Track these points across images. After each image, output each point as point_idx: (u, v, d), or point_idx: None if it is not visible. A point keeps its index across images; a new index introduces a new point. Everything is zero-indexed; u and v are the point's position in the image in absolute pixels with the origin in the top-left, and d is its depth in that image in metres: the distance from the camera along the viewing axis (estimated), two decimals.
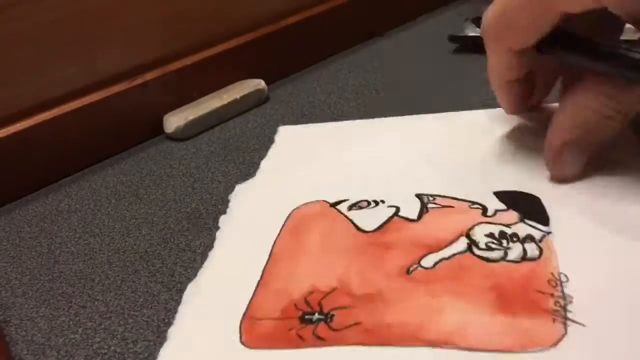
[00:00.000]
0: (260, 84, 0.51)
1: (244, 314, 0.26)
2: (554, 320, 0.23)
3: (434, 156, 0.36)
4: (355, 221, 0.31)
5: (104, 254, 0.35)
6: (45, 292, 0.32)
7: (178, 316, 0.28)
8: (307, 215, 0.33)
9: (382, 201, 0.32)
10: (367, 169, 0.36)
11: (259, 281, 0.28)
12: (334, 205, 0.33)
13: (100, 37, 0.46)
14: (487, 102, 0.39)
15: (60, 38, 0.44)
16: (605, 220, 0.27)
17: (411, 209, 0.31)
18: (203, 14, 0.51)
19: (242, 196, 0.36)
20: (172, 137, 0.48)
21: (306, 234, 0.31)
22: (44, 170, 0.44)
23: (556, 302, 0.24)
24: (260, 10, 0.55)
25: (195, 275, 0.30)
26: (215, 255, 0.31)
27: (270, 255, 0.30)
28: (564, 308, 0.23)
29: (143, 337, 0.28)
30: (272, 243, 0.31)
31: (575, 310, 0.23)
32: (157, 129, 0.48)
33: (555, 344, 0.22)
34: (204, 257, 0.32)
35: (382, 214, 0.31)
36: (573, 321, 0.23)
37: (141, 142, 0.48)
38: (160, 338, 0.28)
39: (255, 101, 0.51)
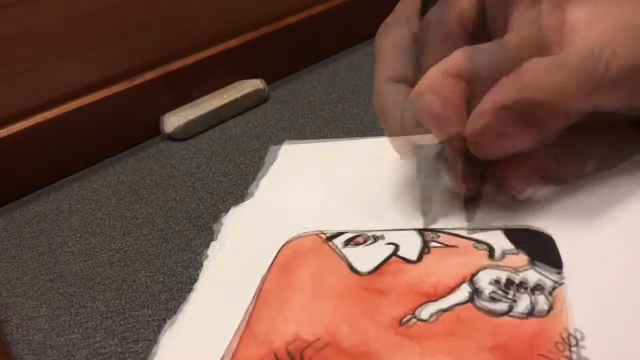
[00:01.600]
0: (260, 83, 0.51)
1: None
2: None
3: (441, 181, 0.32)
4: (350, 260, 0.29)
5: (104, 253, 0.35)
6: (45, 291, 0.32)
7: None
8: (298, 250, 0.30)
9: (382, 237, 0.30)
10: (370, 196, 0.33)
11: (241, 325, 0.26)
12: (329, 238, 0.30)
13: (100, 36, 0.46)
14: None
15: (60, 38, 0.44)
16: (629, 266, 0.24)
17: (412, 247, 0.29)
18: (203, 14, 0.51)
19: (236, 222, 0.34)
20: (172, 137, 0.48)
21: (296, 272, 0.28)
22: (44, 170, 0.44)
23: None
24: (260, 10, 0.55)
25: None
26: (199, 290, 0.29)
27: (257, 295, 0.27)
28: None
29: (143, 337, 0.28)
30: (259, 280, 0.28)
31: None
32: (157, 128, 0.48)
33: None
34: (203, 257, 0.32)
35: (379, 253, 0.29)
36: None
37: (141, 141, 0.48)
38: None
39: (255, 101, 0.51)
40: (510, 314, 0.24)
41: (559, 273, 0.25)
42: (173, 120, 0.47)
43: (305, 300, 0.27)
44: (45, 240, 0.37)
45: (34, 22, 0.42)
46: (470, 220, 0.28)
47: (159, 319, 0.29)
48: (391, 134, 0.30)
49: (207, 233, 0.34)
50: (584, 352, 0.21)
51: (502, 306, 0.24)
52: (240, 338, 0.25)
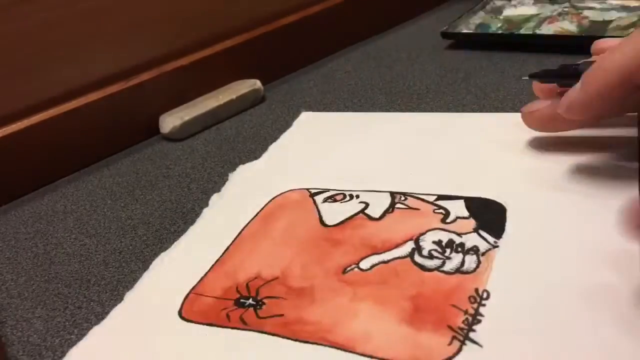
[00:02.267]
0: (257, 84, 0.51)
1: (192, 288, 0.29)
2: (453, 338, 0.23)
3: (429, 154, 0.36)
4: (322, 214, 0.32)
5: (100, 254, 0.35)
6: (41, 292, 0.32)
7: (138, 282, 0.30)
8: (283, 203, 0.34)
9: (357, 196, 0.33)
10: (363, 162, 0.37)
11: (217, 260, 0.30)
12: (313, 195, 0.34)
13: (96, 37, 0.46)
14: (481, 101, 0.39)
15: (56, 39, 0.44)
16: (562, 246, 0.27)
17: (379, 207, 0.32)
18: (199, 15, 0.51)
19: (239, 177, 0.38)
20: (168, 138, 0.48)
21: (275, 222, 0.32)
22: (40, 171, 0.44)
23: (464, 320, 0.24)
24: (256, 11, 0.55)
25: None
26: (192, 231, 0.33)
27: (237, 238, 0.32)
28: (470, 327, 0.24)
29: None
30: (243, 226, 0.32)
31: (480, 330, 0.23)
32: (153, 129, 0.48)
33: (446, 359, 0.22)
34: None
35: (349, 209, 0.32)
36: (471, 341, 0.23)
37: (137, 142, 0.48)
38: None
39: (251, 101, 0.51)
40: (441, 269, 0.27)
41: (497, 239, 0.28)
42: (169, 121, 0.47)
43: (273, 245, 0.31)
44: (40, 242, 0.37)
45: (30, 23, 0.42)
46: None
47: None
48: None
49: None
50: (482, 309, 0.24)
51: (435, 262, 0.27)
52: (212, 271, 0.30)
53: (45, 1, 0.43)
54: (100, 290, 0.32)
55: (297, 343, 0.25)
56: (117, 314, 0.29)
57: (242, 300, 0.27)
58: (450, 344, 0.23)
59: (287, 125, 0.46)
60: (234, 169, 0.41)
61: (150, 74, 0.48)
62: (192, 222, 0.36)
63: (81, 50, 0.45)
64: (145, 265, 0.33)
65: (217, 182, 0.40)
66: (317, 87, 0.52)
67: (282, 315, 0.26)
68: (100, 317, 0.30)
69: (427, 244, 0.29)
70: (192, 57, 0.50)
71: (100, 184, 0.43)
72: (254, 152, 0.43)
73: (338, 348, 0.24)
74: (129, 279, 0.32)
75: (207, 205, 0.37)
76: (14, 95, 0.43)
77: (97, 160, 0.47)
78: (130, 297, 0.30)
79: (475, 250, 0.28)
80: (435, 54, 0.55)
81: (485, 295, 0.25)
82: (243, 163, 0.42)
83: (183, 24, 0.50)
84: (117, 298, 0.31)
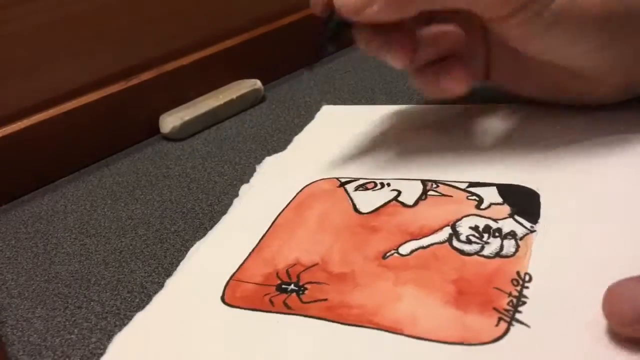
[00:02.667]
0: (257, 84, 0.51)
1: (232, 275, 0.29)
2: (499, 319, 0.24)
3: (454, 144, 0.37)
4: (355, 202, 0.33)
5: (100, 254, 0.35)
6: (41, 292, 0.32)
7: (178, 270, 0.31)
8: (314, 192, 0.35)
9: (388, 184, 0.34)
10: (389, 152, 0.37)
11: (254, 248, 0.31)
12: (344, 184, 0.35)
13: (96, 37, 0.46)
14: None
15: (56, 38, 0.44)
16: (600, 227, 0.27)
17: (412, 194, 0.32)
18: (199, 14, 0.51)
19: (267, 168, 0.39)
20: (168, 138, 0.48)
21: (308, 210, 0.33)
22: (40, 171, 0.44)
23: (509, 302, 0.24)
24: (256, 10, 0.55)
25: None
26: (225, 220, 0.34)
27: (271, 227, 0.32)
28: (515, 308, 0.24)
29: None
30: (276, 215, 0.33)
31: (525, 311, 0.24)
32: (153, 129, 0.48)
33: (492, 341, 0.23)
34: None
35: (382, 197, 0.33)
36: (519, 322, 0.23)
37: (137, 142, 0.48)
38: None
39: (251, 101, 0.51)
40: (480, 254, 0.27)
41: (534, 224, 0.28)
42: (169, 121, 0.47)
43: (310, 233, 0.31)
44: (40, 241, 0.37)
45: (30, 23, 0.42)
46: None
47: None
48: None
49: (203, 234, 0.34)
50: (526, 292, 0.25)
51: (474, 247, 0.28)
52: (250, 258, 0.30)
53: (45, 1, 0.43)
54: (100, 290, 0.32)
55: (344, 326, 0.25)
56: (160, 300, 0.29)
57: (283, 286, 0.28)
58: (497, 325, 0.23)
59: (287, 125, 0.46)
60: (234, 169, 0.41)
61: (150, 74, 0.48)
62: (192, 221, 0.36)
63: (81, 50, 0.45)
64: (145, 266, 0.33)
65: (217, 182, 0.40)
66: (318, 87, 0.52)
67: (325, 299, 0.27)
68: (100, 316, 0.30)
69: (464, 229, 0.29)
70: (192, 57, 0.50)
71: (100, 184, 0.43)
72: (254, 152, 0.43)
73: (386, 330, 0.24)
74: (129, 279, 0.32)
75: (208, 205, 0.37)
76: (14, 95, 0.43)
77: (97, 160, 0.47)
78: (171, 283, 0.30)
79: (512, 235, 0.28)
80: None
81: (527, 278, 0.25)
82: (243, 163, 0.42)
83: (183, 24, 0.50)
84: (117, 298, 0.31)
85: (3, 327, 0.30)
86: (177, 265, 0.32)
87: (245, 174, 0.40)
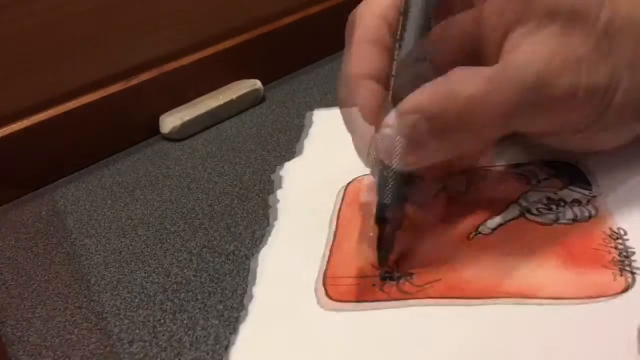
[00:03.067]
0: (257, 84, 0.51)
1: (325, 274, 0.28)
2: (620, 271, 0.24)
3: None
4: None
5: (99, 254, 0.35)
6: (41, 292, 0.32)
7: (258, 277, 0.29)
8: (360, 189, 0.34)
9: None
10: None
11: (332, 245, 0.30)
12: None
13: (96, 37, 0.46)
14: None
15: (57, 39, 0.44)
16: None
17: (457, 182, 0.32)
18: (199, 14, 0.51)
19: (293, 172, 0.38)
20: (168, 138, 0.48)
21: (363, 205, 0.32)
22: (40, 171, 0.44)
23: (620, 254, 0.25)
24: (256, 10, 0.55)
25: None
26: (279, 228, 0.33)
27: (337, 225, 0.31)
28: (629, 258, 0.24)
29: (139, 338, 0.28)
30: (330, 214, 0.32)
31: (639, 259, 0.24)
32: (153, 129, 0.48)
33: (621, 292, 0.23)
34: (200, 257, 0.32)
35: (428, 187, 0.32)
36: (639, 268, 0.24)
37: (137, 142, 0.48)
38: (156, 338, 0.28)
39: (251, 101, 0.51)
40: (559, 222, 0.27)
41: (590, 190, 0.29)
42: (169, 121, 0.47)
43: None
44: (40, 241, 0.37)
45: (30, 23, 0.42)
46: (383, 264, 0.27)
47: (154, 320, 0.29)
48: (359, 139, 0.28)
49: (202, 234, 0.34)
50: (628, 243, 0.25)
51: (550, 217, 0.28)
52: (333, 255, 0.29)
53: (45, 1, 0.43)
54: (100, 290, 0.32)
55: (472, 301, 0.25)
56: (257, 308, 0.28)
57: (386, 275, 0.27)
58: (615, 279, 0.24)
59: (287, 125, 0.46)
60: (234, 169, 0.41)
61: (150, 74, 0.48)
62: (192, 221, 0.36)
63: (81, 51, 0.45)
64: (144, 266, 0.33)
65: (217, 182, 0.40)
66: (318, 87, 0.52)
67: (439, 279, 0.26)
68: (100, 316, 0.30)
69: (530, 204, 0.29)
70: (192, 57, 0.50)
71: (100, 184, 0.43)
72: (254, 152, 0.43)
73: (516, 298, 0.24)
74: (129, 279, 0.32)
75: (208, 205, 0.37)
76: (14, 95, 0.43)
77: (97, 160, 0.47)
78: (259, 291, 0.29)
79: (578, 202, 0.28)
80: None
81: (622, 232, 0.26)
82: (243, 163, 0.42)
83: (183, 24, 0.50)
84: (117, 298, 0.31)
85: (3, 327, 0.30)
86: (177, 265, 0.32)
87: (245, 174, 0.40)
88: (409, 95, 0.24)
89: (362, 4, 0.28)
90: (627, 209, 0.27)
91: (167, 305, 0.30)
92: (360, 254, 0.29)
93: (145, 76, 0.48)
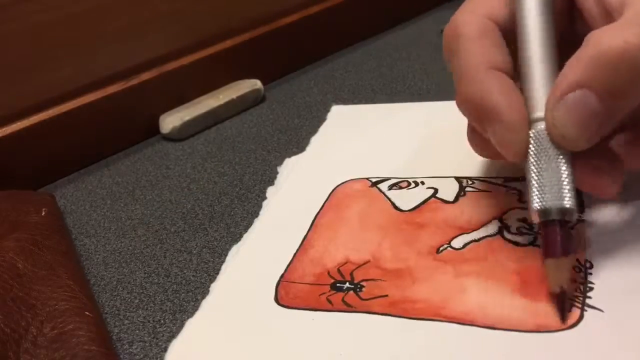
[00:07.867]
0: (257, 84, 0.51)
1: (282, 276, 0.29)
2: (571, 306, 0.23)
3: None
4: (393, 200, 0.33)
5: (99, 254, 0.35)
6: None
7: (220, 274, 0.30)
8: (349, 193, 0.34)
9: (423, 182, 0.34)
10: (412, 151, 0.37)
11: (298, 248, 0.30)
12: (375, 184, 0.34)
13: (96, 37, 0.46)
14: None
15: (56, 39, 0.44)
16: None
17: (449, 191, 0.32)
18: (199, 14, 0.51)
19: (290, 169, 0.38)
20: (168, 138, 0.48)
21: (346, 209, 0.33)
22: (40, 171, 0.44)
23: (577, 289, 0.24)
24: (256, 10, 0.55)
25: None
26: (261, 222, 0.33)
27: (312, 226, 0.32)
28: (584, 294, 0.24)
29: (139, 338, 0.28)
30: (314, 215, 0.33)
31: (595, 297, 0.24)
32: (153, 129, 0.48)
33: (570, 327, 0.23)
34: (200, 257, 0.32)
35: (420, 194, 0.33)
36: (590, 306, 0.23)
37: (137, 142, 0.48)
38: (156, 339, 0.28)
39: (251, 101, 0.51)
40: (535, 244, 0.27)
41: (580, 214, 0.28)
42: (169, 121, 0.47)
43: (354, 231, 0.31)
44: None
45: (30, 23, 0.42)
46: (565, 321, 0.24)
47: (154, 320, 0.29)
48: (508, 129, 0.25)
49: (202, 234, 0.34)
50: (590, 278, 0.25)
51: (527, 238, 0.27)
52: (296, 259, 0.30)
53: (45, 1, 0.43)
54: (100, 290, 0.32)
55: (412, 321, 0.25)
56: (209, 304, 0.28)
57: (338, 285, 0.27)
58: (569, 311, 0.23)
59: (287, 125, 0.46)
60: (234, 169, 0.41)
61: (150, 74, 0.48)
62: (192, 221, 0.36)
63: (81, 50, 0.45)
64: (144, 266, 0.33)
65: (217, 182, 0.40)
66: (318, 87, 0.52)
67: (386, 295, 0.26)
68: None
69: (512, 222, 0.29)
70: (192, 57, 0.50)
71: (100, 184, 0.43)
72: (254, 152, 0.43)
73: (457, 322, 0.24)
74: (128, 279, 0.32)
75: (208, 205, 0.37)
76: (14, 95, 0.43)
77: (97, 160, 0.46)
78: (217, 287, 0.29)
79: None
80: (436, 54, 0.55)
81: (588, 265, 0.25)
82: (243, 163, 0.42)
83: (183, 23, 0.50)
84: (117, 298, 0.31)
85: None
86: (176, 265, 0.32)
87: (245, 174, 0.40)
88: (560, 73, 0.23)
89: (460, 11, 0.27)
90: (603, 242, 0.26)
91: (167, 305, 0.30)
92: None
93: (145, 76, 0.48)
